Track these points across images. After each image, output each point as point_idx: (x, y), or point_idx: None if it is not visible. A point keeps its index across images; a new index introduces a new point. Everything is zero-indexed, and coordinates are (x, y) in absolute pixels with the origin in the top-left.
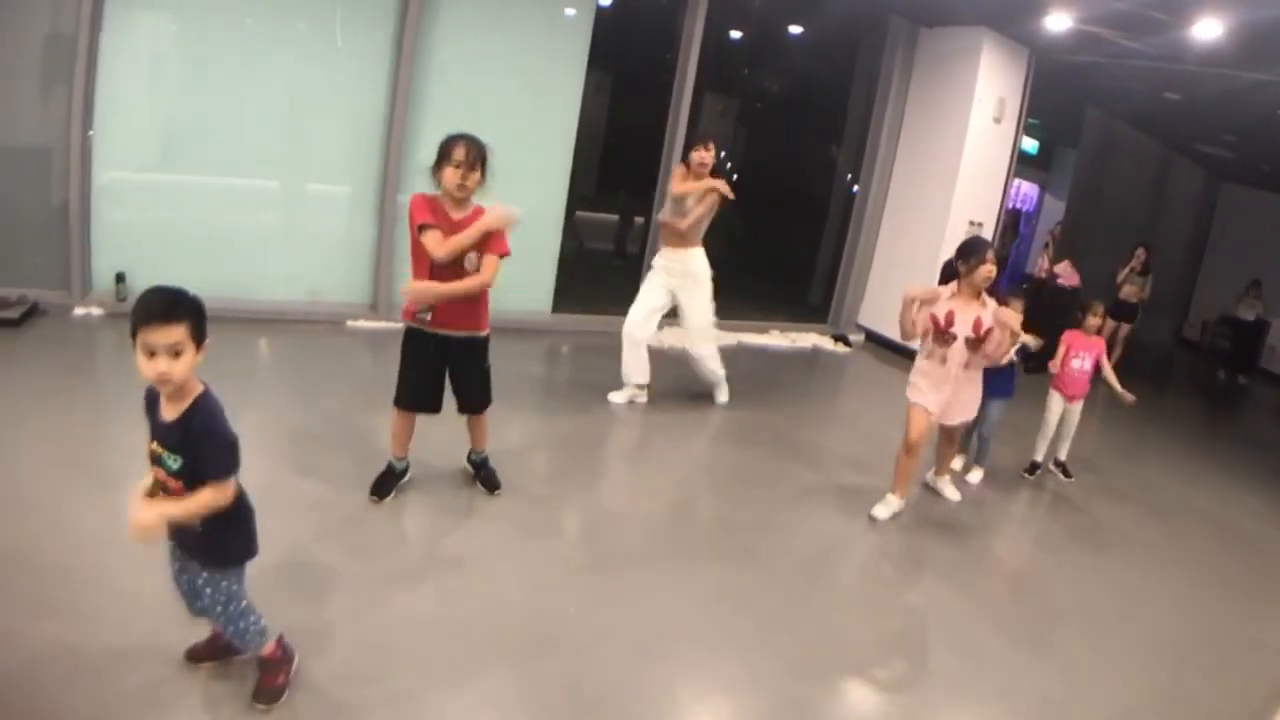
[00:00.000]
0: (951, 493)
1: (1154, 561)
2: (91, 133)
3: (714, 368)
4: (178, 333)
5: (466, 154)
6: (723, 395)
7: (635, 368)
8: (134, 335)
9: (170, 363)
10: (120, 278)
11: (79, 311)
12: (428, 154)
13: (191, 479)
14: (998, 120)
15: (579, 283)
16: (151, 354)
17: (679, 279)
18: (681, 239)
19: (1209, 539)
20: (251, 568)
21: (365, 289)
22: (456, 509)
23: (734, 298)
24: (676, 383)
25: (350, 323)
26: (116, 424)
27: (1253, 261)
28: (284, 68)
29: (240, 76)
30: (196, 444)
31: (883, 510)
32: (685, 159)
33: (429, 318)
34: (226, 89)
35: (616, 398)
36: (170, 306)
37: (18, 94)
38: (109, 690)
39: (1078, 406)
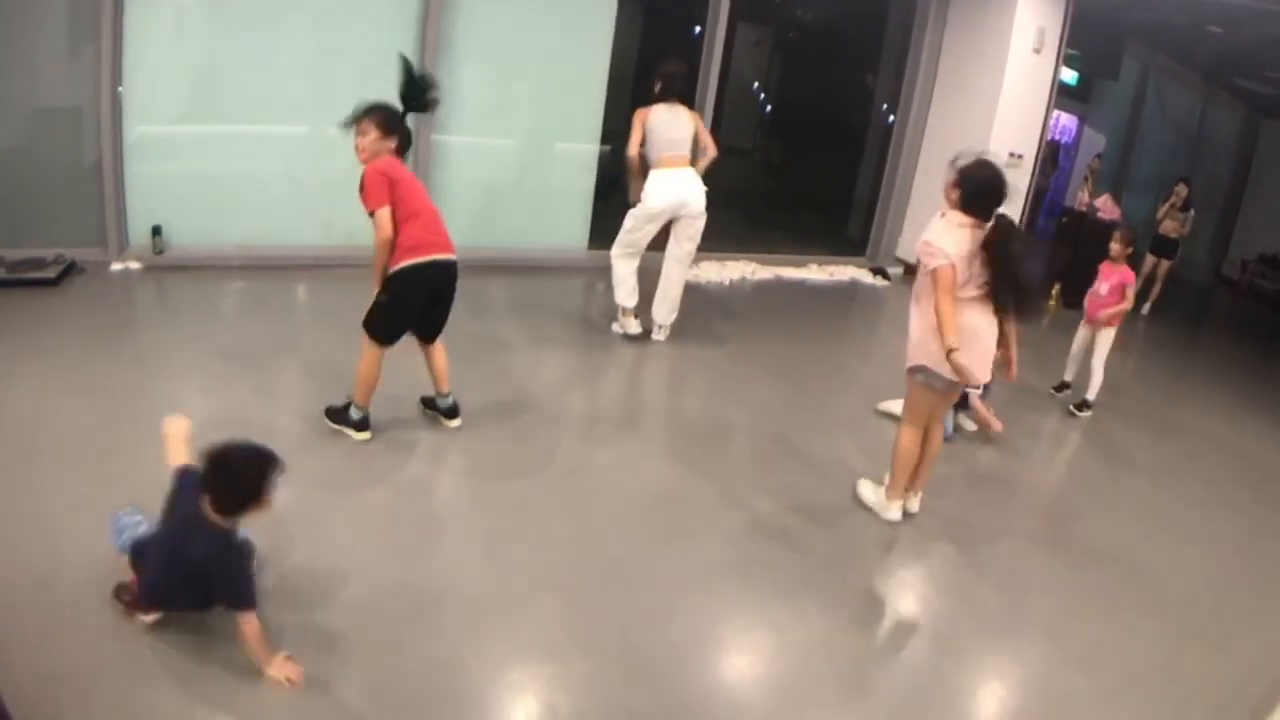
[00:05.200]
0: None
1: (1193, 505)
2: (121, 89)
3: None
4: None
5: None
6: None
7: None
8: None
9: None
10: (157, 231)
11: (116, 267)
12: (460, 94)
13: None
14: (1037, 51)
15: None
16: None
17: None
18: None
19: (1249, 483)
20: (294, 503)
21: None
22: (502, 450)
23: (771, 231)
24: (701, 318)
25: None
26: (161, 377)
27: None
28: (311, 11)
29: (267, 23)
30: None
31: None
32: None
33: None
34: (254, 37)
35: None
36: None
37: (46, 54)
38: None
39: (1103, 335)
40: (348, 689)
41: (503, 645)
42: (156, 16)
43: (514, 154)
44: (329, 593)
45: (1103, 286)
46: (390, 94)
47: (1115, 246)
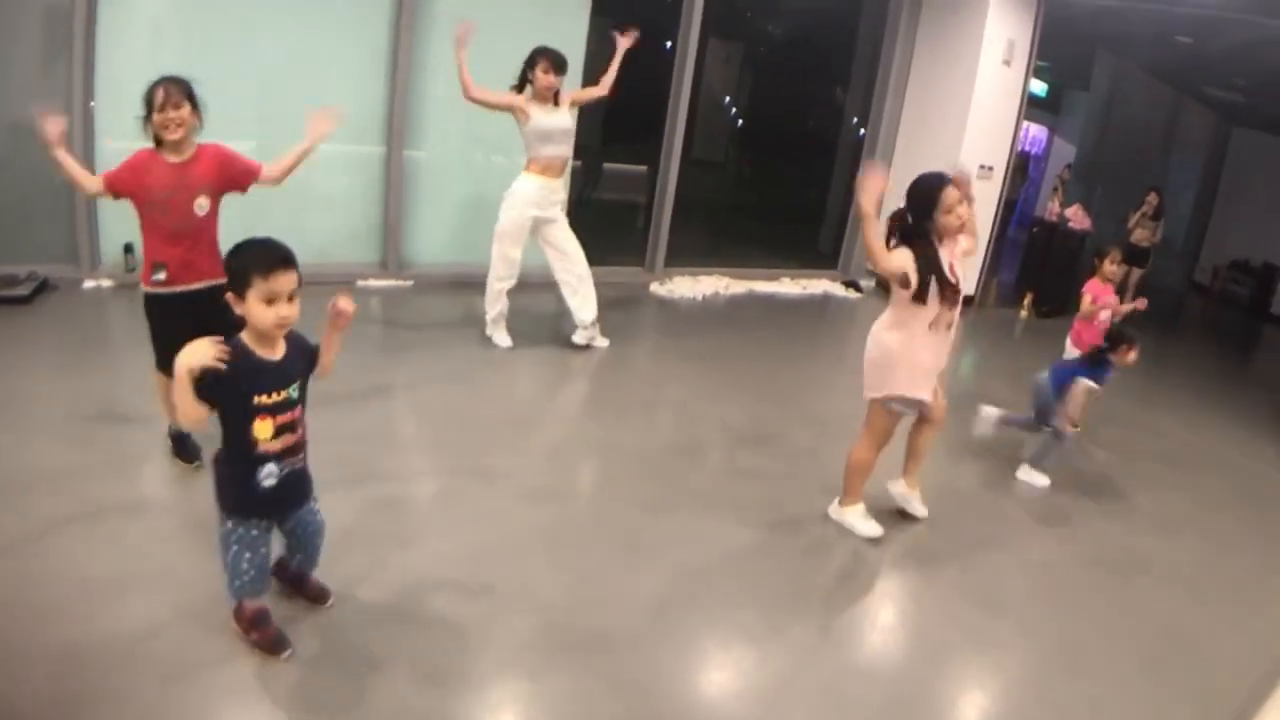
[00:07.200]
0: (919, 508)
1: (1171, 510)
2: (93, 103)
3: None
4: (294, 279)
5: (167, 96)
6: (581, 337)
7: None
8: (246, 285)
9: (291, 307)
10: (129, 249)
11: (89, 284)
12: (433, 110)
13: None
14: (1007, 63)
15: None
16: (271, 301)
17: (558, 206)
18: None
19: (1227, 488)
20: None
21: (374, 248)
22: (477, 465)
23: (743, 245)
24: (675, 333)
25: (360, 282)
26: (135, 395)
27: (1264, 207)
28: (283, 24)
29: (239, 37)
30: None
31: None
32: (523, 85)
33: (163, 277)
34: (226, 50)
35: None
36: (288, 254)
37: (18, 68)
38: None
39: None
40: (325, 709)
41: (482, 663)
42: (129, 31)
43: (488, 167)
44: (309, 609)
45: (1104, 312)
46: (366, 105)
47: (1112, 267)
